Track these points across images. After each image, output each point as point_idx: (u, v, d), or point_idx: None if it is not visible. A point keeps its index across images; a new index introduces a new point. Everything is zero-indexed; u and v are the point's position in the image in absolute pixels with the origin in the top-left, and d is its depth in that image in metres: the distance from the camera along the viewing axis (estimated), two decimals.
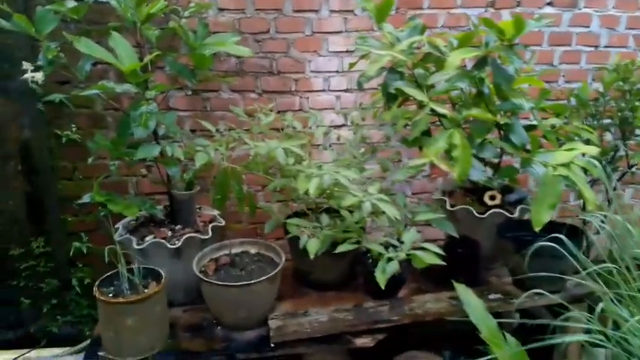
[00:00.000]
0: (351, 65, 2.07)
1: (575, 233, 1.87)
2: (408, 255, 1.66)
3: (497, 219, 2.04)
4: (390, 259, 1.64)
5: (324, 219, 1.82)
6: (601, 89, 2.24)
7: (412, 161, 1.66)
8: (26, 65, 1.58)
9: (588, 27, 2.93)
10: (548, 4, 2.88)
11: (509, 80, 1.75)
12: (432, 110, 1.73)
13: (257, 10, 2.59)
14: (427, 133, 1.89)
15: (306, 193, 1.57)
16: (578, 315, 1.54)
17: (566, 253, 1.62)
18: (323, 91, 2.79)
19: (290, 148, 1.70)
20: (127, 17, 1.75)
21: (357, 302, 1.95)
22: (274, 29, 2.64)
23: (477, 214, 2.03)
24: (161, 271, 1.75)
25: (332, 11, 2.68)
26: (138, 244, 1.84)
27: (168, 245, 1.83)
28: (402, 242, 1.72)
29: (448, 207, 2.11)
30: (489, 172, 1.83)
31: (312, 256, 1.69)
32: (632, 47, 2.99)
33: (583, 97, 2.07)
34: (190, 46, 1.83)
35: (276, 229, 2.09)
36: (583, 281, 1.59)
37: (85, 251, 2.56)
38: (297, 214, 2.14)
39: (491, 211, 2.02)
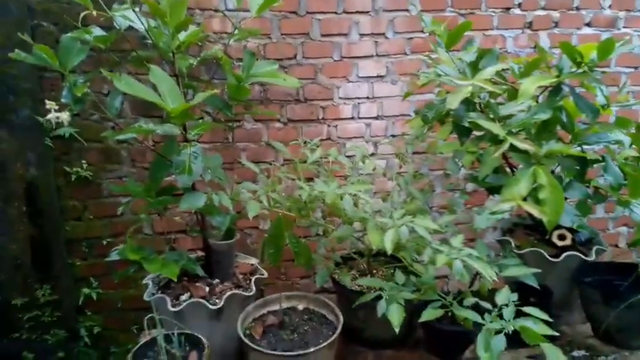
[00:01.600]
0: (407, 95, 1.87)
1: None
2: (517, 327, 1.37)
3: (571, 262, 1.83)
4: (490, 331, 1.36)
5: (400, 277, 1.57)
6: None
7: (494, 205, 1.45)
8: (50, 104, 1.33)
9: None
10: (587, 24, 2.74)
11: (594, 111, 1.56)
12: (511, 146, 1.52)
13: (283, 35, 2.40)
14: (496, 170, 1.69)
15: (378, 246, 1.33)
16: None
17: None
18: (352, 118, 2.60)
19: (358, 194, 1.47)
20: (159, 46, 1.53)
21: None
22: (301, 55, 2.45)
23: (549, 258, 1.81)
24: (201, 337, 1.50)
25: (362, 35, 2.50)
26: (173, 306, 1.58)
27: (209, 306, 1.58)
28: (494, 305, 1.45)
29: (514, 249, 1.90)
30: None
31: (396, 330, 1.44)
32: None
33: None
34: (236, 78, 1.60)
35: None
36: None
37: (95, 297, 2.32)
38: (344, 260, 1.90)
39: (566, 253, 1.81)
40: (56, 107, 1.34)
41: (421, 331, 1.83)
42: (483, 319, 1.39)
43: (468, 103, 1.56)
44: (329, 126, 2.56)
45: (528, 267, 1.83)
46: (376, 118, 2.62)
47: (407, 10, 2.53)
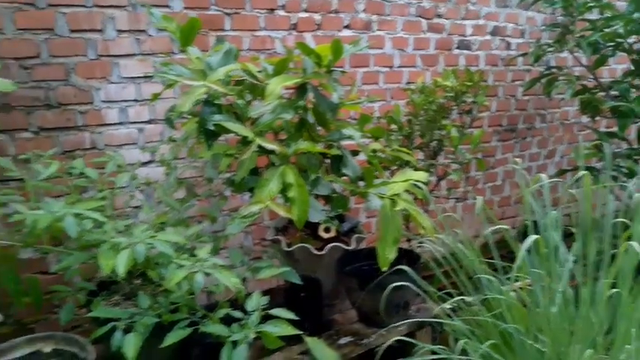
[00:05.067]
0: (155, 97, 1.73)
1: (412, 258, 1.86)
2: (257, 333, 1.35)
3: (335, 253, 1.92)
4: (235, 343, 1.31)
5: (144, 300, 1.41)
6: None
7: (245, 209, 1.42)
8: None
9: (382, 49, 3.08)
10: (346, 27, 2.94)
11: (333, 109, 1.64)
12: (259, 147, 1.51)
13: (20, 29, 2.06)
14: (255, 172, 1.66)
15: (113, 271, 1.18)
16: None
17: (410, 284, 1.57)
18: (120, 124, 2.37)
19: (84, 213, 1.28)
20: None
21: None
22: (47, 53, 2.13)
23: (315, 252, 1.87)
24: None
25: (120, 31, 2.29)
26: None
27: None
28: (245, 312, 1.41)
29: (284, 247, 1.92)
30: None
31: None
32: (420, 67, 3.25)
33: (397, 119, 2.10)
34: None
35: None
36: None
37: None
38: (104, 284, 1.69)
39: (329, 246, 1.89)
40: None
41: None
42: (231, 330, 1.35)
43: (212, 105, 1.50)
44: (92, 133, 2.29)
45: (298, 262, 1.88)
46: (149, 122, 2.43)
47: (168, 7, 2.39)
